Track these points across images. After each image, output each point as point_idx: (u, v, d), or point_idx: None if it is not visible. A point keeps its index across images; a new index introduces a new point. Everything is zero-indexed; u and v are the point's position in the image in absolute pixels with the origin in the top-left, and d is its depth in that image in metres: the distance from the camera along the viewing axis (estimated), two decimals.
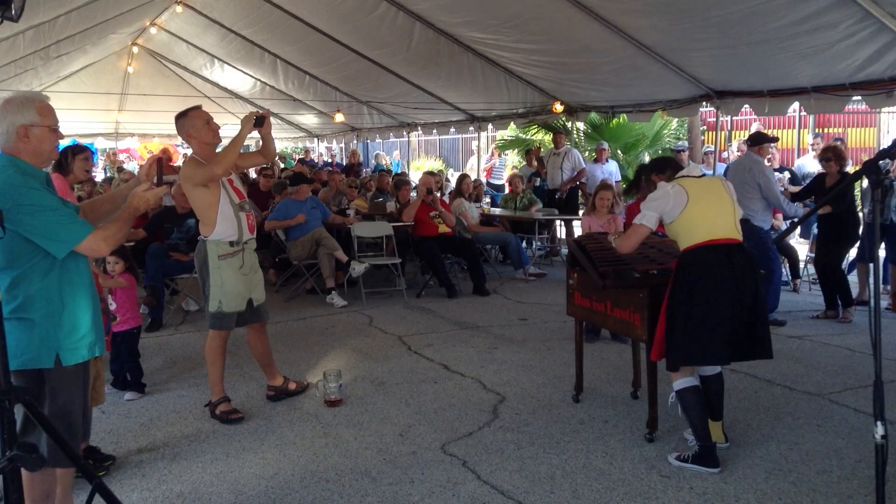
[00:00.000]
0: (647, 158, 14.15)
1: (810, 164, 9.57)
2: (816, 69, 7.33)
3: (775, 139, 7.92)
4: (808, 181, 8.30)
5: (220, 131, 4.62)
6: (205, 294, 4.49)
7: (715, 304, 3.61)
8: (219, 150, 4.56)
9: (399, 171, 16.26)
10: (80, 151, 5.29)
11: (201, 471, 3.78)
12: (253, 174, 11.43)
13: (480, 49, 10.24)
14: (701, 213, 3.71)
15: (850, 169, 9.69)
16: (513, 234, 9.68)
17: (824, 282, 7.17)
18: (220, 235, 4.36)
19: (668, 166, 3.99)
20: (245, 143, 4.53)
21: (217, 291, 4.39)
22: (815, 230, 8.24)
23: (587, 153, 13.12)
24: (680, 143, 12.62)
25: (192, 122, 4.37)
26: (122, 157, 21.75)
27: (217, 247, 4.37)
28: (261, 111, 4.53)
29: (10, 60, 11.20)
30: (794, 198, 7.54)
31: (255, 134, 4.60)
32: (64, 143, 3.03)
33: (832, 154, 6.91)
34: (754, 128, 11.86)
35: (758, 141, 7.02)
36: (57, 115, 2.84)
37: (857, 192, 8.26)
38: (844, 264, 8.00)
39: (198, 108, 4.49)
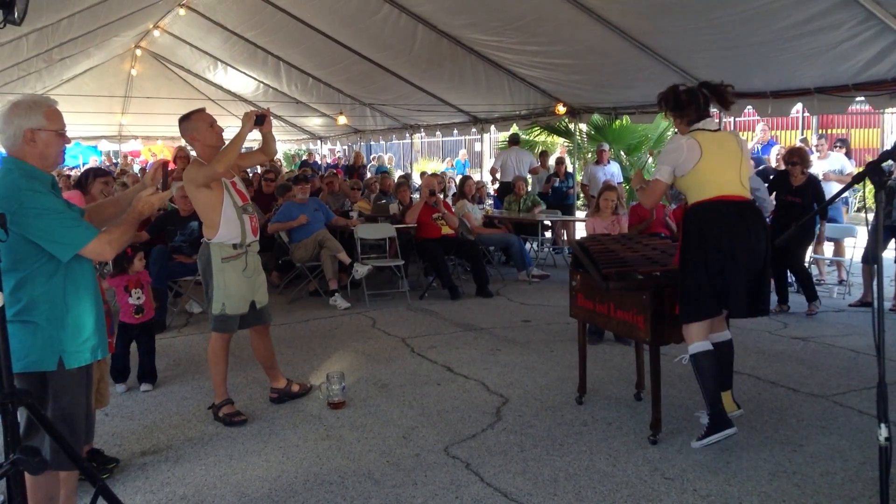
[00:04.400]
0: (650, 160, 14.15)
1: (815, 166, 9.55)
2: (819, 70, 7.31)
3: None
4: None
5: (223, 134, 4.63)
6: (208, 296, 4.50)
7: (731, 256, 3.62)
8: None
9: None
10: (102, 175, 5.37)
11: (205, 473, 3.78)
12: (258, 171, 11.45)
13: (483, 51, 10.23)
14: (712, 169, 3.71)
15: (854, 170, 9.71)
16: (516, 236, 9.69)
17: (778, 279, 7.35)
18: (224, 238, 4.37)
19: (690, 106, 3.77)
20: (247, 145, 4.54)
21: (220, 294, 4.40)
22: (816, 229, 8.28)
23: (590, 155, 13.15)
24: None
25: (196, 124, 4.38)
26: (129, 159, 21.82)
27: (220, 249, 4.37)
28: (261, 110, 4.53)
29: (13, 63, 11.22)
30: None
31: (258, 134, 4.61)
32: (68, 146, 3.03)
33: (798, 158, 7.26)
34: (759, 129, 11.85)
35: None
36: (64, 119, 2.85)
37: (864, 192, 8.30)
38: (849, 261, 8.07)
39: (202, 110, 4.50)
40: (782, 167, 9.15)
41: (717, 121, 9.59)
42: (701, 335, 3.76)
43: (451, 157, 25.69)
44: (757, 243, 3.66)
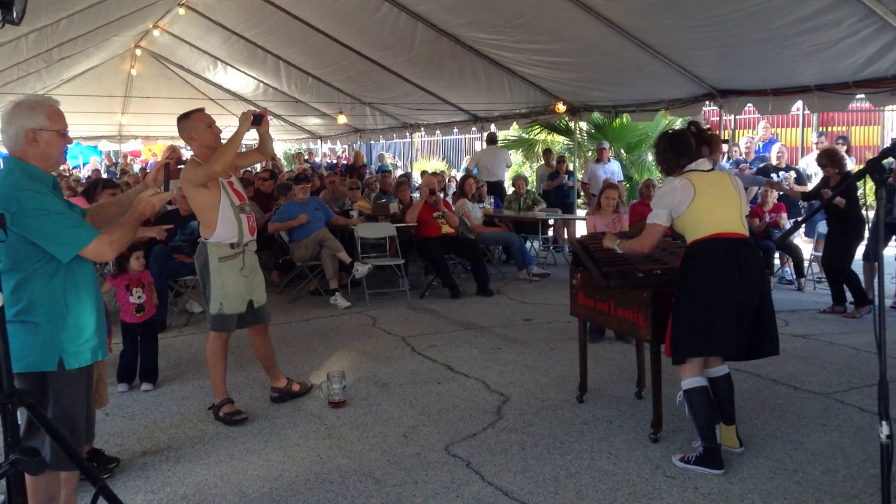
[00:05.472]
0: (650, 159, 14.15)
1: (814, 163, 9.55)
2: (820, 67, 7.31)
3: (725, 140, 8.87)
4: (815, 181, 8.40)
5: (221, 134, 4.62)
6: (205, 296, 4.50)
7: (721, 296, 3.60)
8: None
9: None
10: (111, 187, 5.38)
11: (205, 473, 3.78)
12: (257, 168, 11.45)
13: (482, 49, 10.23)
14: (707, 207, 3.70)
15: (854, 168, 9.70)
16: (516, 235, 9.69)
17: (832, 278, 7.35)
18: (221, 237, 4.36)
19: (684, 154, 3.83)
20: (246, 143, 4.53)
21: (218, 293, 4.40)
22: (819, 229, 8.31)
23: (590, 153, 13.15)
24: None
25: (195, 124, 4.38)
26: (130, 159, 21.81)
27: (217, 249, 4.37)
28: (258, 109, 4.53)
29: (12, 64, 11.22)
30: (805, 198, 7.64)
31: (255, 134, 4.60)
32: (69, 146, 3.03)
33: (827, 160, 7.19)
34: (760, 126, 11.84)
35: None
36: (66, 119, 2.85)
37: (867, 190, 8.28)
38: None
39: (201, 110, 4.49)
40: (783, 164, 9.20)
41: (719, 118, 9.67)
42: (694, 371, 3.74)
43: (450, 155, 25.65)
44: (751, 281, 3.64)
